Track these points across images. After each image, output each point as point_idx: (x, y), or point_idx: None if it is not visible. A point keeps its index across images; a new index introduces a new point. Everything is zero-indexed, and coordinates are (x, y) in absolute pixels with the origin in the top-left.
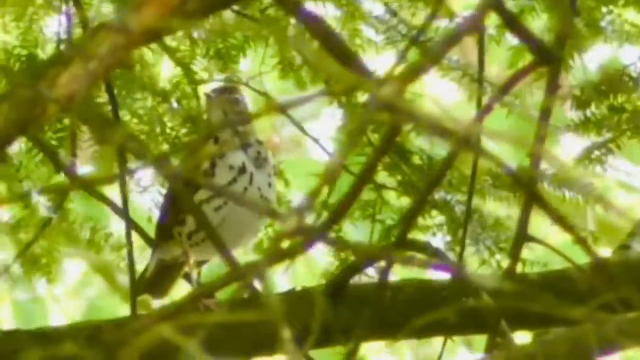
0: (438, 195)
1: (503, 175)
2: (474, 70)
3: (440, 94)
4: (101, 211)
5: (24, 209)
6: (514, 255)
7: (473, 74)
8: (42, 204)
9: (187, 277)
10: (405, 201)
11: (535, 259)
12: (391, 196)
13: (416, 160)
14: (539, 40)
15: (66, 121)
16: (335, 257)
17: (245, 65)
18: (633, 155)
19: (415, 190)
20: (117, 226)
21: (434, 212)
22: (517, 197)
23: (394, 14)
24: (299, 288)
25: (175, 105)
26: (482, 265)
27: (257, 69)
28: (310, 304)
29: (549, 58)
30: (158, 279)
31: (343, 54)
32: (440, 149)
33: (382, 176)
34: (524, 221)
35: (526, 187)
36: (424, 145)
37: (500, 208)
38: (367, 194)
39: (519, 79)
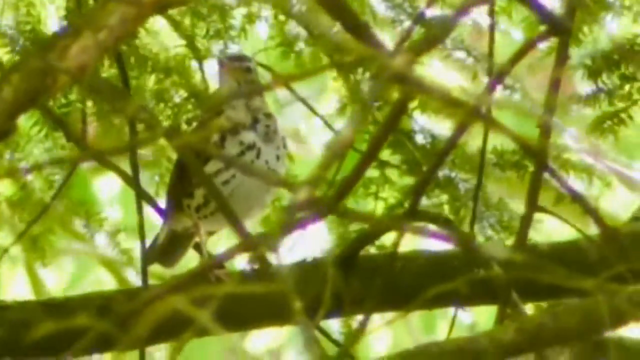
0: (442, 172)
1: (507, 153)
2: (478, 52)
3: (444, 77)
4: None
5: (20, 190)
6: (525, 225)
7: (477, 55)
8: (43, 182)
9: (198, 247)
10: (408, 180)
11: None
12: (394, 175)
13: (420, 139)
14: (549, 11)
15: (72, 96)
16: (334, 232)
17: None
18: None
19: (419, 168)
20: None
21: (437, 191)
22: (521, 176)
23: None
24: (310, 259)
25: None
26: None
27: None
28: (321, 274)
29: (559, 28)
30: (169, 249)
31: (353, 25)
32: (443, 129)
33: (385, 154)
34: (534, 191)
35: (536, 157)
36: (428, 125)
37: (504, 187)
38: (370, 172)
39: (529, 49)
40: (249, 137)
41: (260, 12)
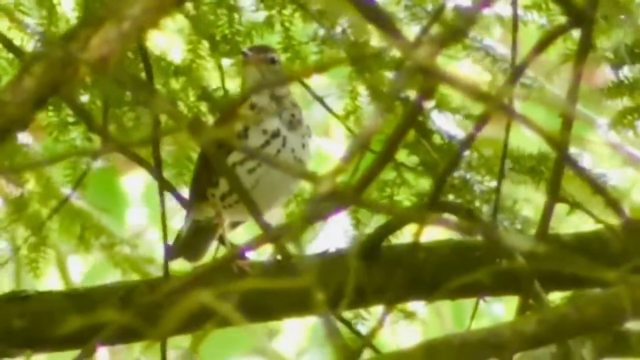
0: (458, 174)
1: (524, 158)
2: (496, 52)
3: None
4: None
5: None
6: (546, 216)
7: (495, 55)
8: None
9: (221, 238)
10: (424, 182)
11: None
12: (410, 177)
13: (437, 140)
14: (571, 1)
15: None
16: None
17: None
18: None
19: (436, 170)
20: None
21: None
22: (537, 181)
23: None
24: (332, 250)
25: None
26: None
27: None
28: (343, 265)
29: (581, 19)
30: (192, 242)
31: (376, 16)
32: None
33: (402, 155)
34: (555, 182)
35: (558, 148)
36: (444, 125)
37: (519, 191)
38: (385, 174)
39: (552, 39)
40: (273, 124)
41: (278, 14)
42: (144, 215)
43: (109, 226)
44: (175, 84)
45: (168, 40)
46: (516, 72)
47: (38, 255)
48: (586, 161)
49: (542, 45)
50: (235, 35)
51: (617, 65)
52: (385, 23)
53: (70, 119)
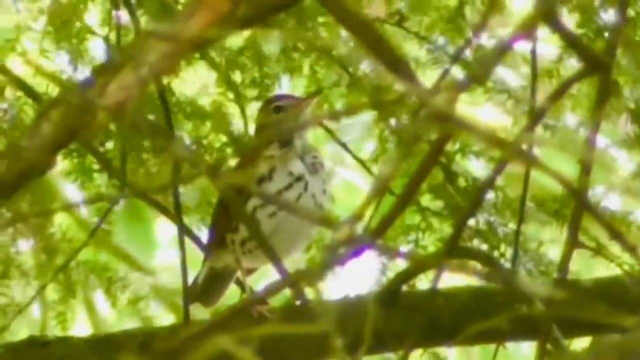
0: (481, 217)
1: (548, 201)
2: (518, 93)
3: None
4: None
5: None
6: (565, 261)
7: (518, 97)
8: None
9: (239, 282)
10: (449, 227)
11: None
12: (435, 221)
13: (461, 182)
14: (589, 48)
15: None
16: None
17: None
18: None
19: (460, 213)
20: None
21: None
22: (560, 224)
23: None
24: (352, 295)
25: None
26: None
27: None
28: (362, 311)
29: (599, 65)
30: (209, 288)
31: (393, 61)
32: (484, 171)
33: (426, 200)
34: (574, 228)
35: (577, 194)
36: (469, 168)
37: (542, 234)
38: (410, 218)
39: (569, 86)
40: (299, 167)
41: (300, 62)
42: (173, 258)
43: (134, 277)
44: (202, 129)
45: (192, 85)
46: (535, 118)
47: (65, 305)
48: (612, 200)
49: (560, 92)
50: (264, 79)
51: (638, 117)
52: (403, 69)
53: (95, 166)
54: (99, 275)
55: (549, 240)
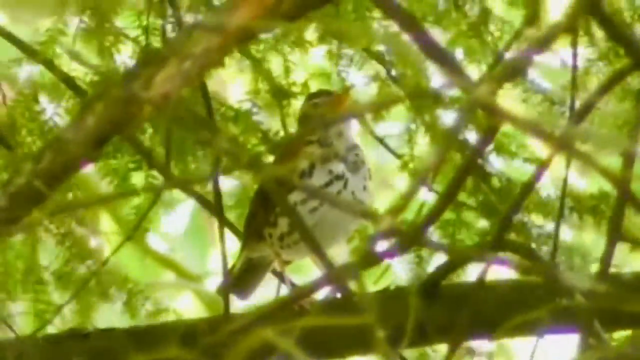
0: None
1: (585, 198)
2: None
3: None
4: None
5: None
6: (607, 255)
7: (553, 99)
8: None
9: (279, 275)
10: (484, 222)
11: None
12: (470, 216)
13: (495, 182)
14: (635, 42)
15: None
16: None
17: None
18: None
19: (495, 211)
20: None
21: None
22: (598, 221)
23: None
24: (392, 287)
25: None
26: None
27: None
28: (404, 303)
29: None
30: (243, 279)
31: (438, 53)
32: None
33: (462, 196)
34: (616, 220)
35: (619, 186)
36: (503, 168)
37: (580, 232)
38: (446, 214)
39: (615, 81)
40: (338, 167)
41: (340, 50)
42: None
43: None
44: (235, 129)
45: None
46: (580, 113)
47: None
48: None
49: (605, 88)
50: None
51: None
52: (449, 62)
53: (132, 165)
54: (120, 287)
55: (587, 238)
